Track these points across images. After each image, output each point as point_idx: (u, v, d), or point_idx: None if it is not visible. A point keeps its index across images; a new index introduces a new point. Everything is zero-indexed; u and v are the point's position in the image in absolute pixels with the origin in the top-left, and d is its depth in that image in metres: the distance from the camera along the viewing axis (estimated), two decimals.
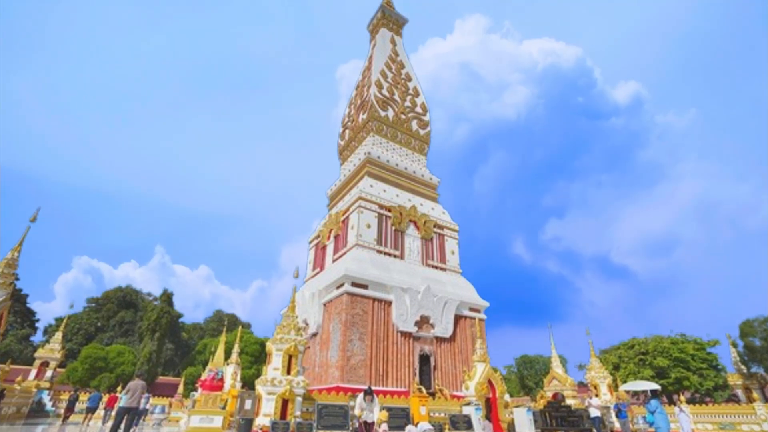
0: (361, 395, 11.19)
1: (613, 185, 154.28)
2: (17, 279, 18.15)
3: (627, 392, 22.41)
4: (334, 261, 24.61)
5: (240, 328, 27.76)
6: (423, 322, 21.44)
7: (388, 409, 12.38)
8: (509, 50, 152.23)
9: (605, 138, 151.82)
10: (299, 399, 12.60)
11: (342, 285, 20.12)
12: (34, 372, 26.12)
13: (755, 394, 23.93)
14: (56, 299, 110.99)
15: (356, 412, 10.93)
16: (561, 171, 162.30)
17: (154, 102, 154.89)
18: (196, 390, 21.63)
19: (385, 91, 30.64)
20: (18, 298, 47.33)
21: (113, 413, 17.49)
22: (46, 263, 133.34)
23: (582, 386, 31.43)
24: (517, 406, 16.18)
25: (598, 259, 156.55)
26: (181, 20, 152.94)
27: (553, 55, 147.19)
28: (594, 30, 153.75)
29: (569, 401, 19.41)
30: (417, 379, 19.63)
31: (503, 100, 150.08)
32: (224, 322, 41.95)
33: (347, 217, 24.45)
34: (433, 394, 19.23)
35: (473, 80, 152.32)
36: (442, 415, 15.23)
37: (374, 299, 20.48)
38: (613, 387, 21.76)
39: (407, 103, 31.75)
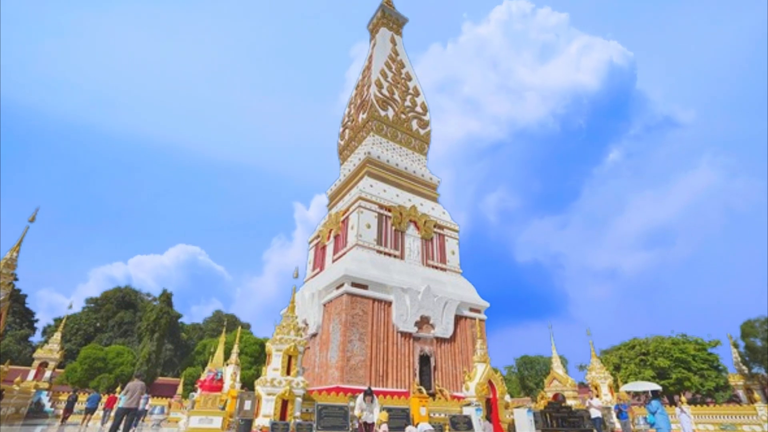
0: (361, 396, 11.15)
1: (618, 185, 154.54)
2: (16, 279, 18.11)
3: (628, 393, 22.32)
4: (333, 261, 24.53)
5: (239, 328, 27.68)
6: (423, 322, 21.37)
7: (388, 410, 12.31)
8: (553, 45, 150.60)
9: (627, 141, 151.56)
10: (299, 399, 12.52)
11: (342, 285, 20.05)
12: (32, 372, 26.05)
13: (756, 395, 23.90)
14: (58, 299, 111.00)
15: (356, 412, 10.89)
16: (568, 168, 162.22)
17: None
18: (195, 390, 21.55)
19: (385, 91, 30.59)
20: (17, 298, 47.26)
21: (112, 414, 17.44)
22: (48, 263, 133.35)
23: (583, 387, 31.39)
24: (517, 407, 16.11)
25: (599, 259, 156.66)
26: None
27: (601, 57, 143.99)
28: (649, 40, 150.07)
29: (570, 402, 19.32)
30: (417, 379, 19.56)
31: (529, 97, 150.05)
32: (224, 323, 41.87)
33: (347, 217, 24.39)
34: (433, 395, 19.16)
35: (500, 72, 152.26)
36: (443, 415, 15.15)
37: (374, 299, 20.40)
38: (614, 388, 21.68)
39: (407, 103, 31.70)
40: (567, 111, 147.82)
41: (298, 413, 12.29)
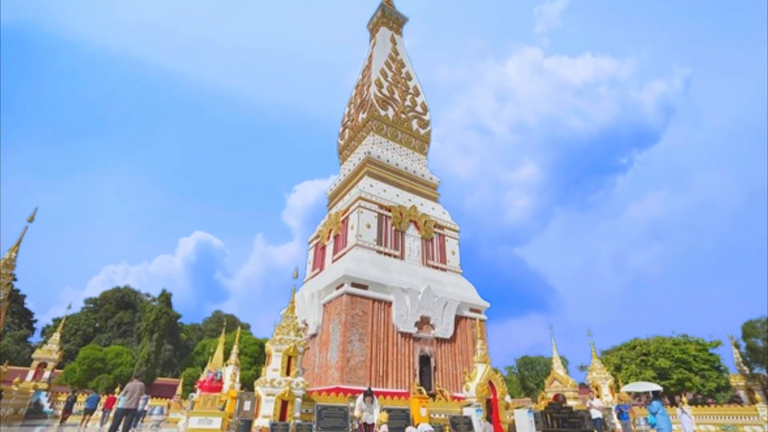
0: (360, 396, 11.10)
1: (619, 185, 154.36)
2: (15, 279, 18.02)
3: (629, 393, 22.25)
4: (333, 261, 24.47)
5: (239, 329, 27.60)
6: (423, 322, 21.30)
7: (388, 411, 12.24)
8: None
9: (655, 147, 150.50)
10: (298, 400, 12.46)
11: (342, 285, 19.99)
12: (31, 373, 25.93)
13: (758, 396, 23.84)
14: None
15: (356, 413, 10.83)
16: (571, 169, 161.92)
17: None
18: (194, 391, 21.49)
19: (385, 90, 30.54)
20: (16, 298, 47.15)
21: (111, 414, 17.36)
22: (46, 263, 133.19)
23: (583, 387, 31.26)
24: (518, 408, 16.03)
25: (600, 258, 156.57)
26: None
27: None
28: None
29: (570, 402, 19.24)
30: (417, 380, 19.50)
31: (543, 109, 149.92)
32: (223, 323, 41.79)
33: (347, 217, 24.33)
34: (433, 396, 19.09)
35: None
36: (443, 416, 15.09)
37: (374, 300, 20.34)
38: (615, 388, 21.60)
39: (407, 103, 31.65)
40: (597, 115, 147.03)
41: (297, 414, 12.22)
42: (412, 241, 24.98)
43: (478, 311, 23.89)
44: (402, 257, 24.04)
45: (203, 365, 33.13)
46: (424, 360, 20.79)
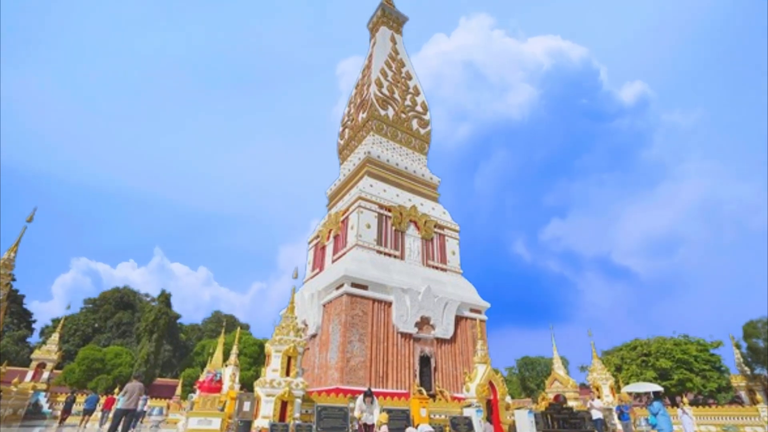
0: (360, 397, 11.07)
1: (615, 184, 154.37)
2: (14, 280, 17.98)
3: (629, 394, 22.20)
4: (333, 261, 24.41)
5: (238, 329, 27.52)
6: (423, 323, 21.24)
7: (388, 411, 12.19)
8: (514, 49, 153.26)
9: (608, 137, 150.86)
10: (298, 401, 12.39)
11: (341, 286, 19.93)
12: (30, 373, 25.84)
13: (759, 396, 23.77)
14: (54, 299, 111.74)
15: (356, 413, 10.80)
16: (563, 170, 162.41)
17: (153, 99, 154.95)
18: (194, 392, 21.42)
19: (385, 90, 30.49)
20: (15, 299, 47.05)
21: (110, 415, 17.31)
22: (44, 263, 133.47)
23: (584, 388, 31.21)
24: (518, 408, 15.97)
25: (600, 259, 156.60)
26: (180, 17, 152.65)
27: (558, 55, 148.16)
28: (601, 29, 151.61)
29: (571, 403, 19.18)
30: (417, 380, 19.44)
31: (506, 99, 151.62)
32: (223, 323, 41.72)
33: (347, 217, 24.27)
34: (433, 396, 19.02)
35: (476, 79, 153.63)
36: (443, 417, 15.04)
37: (374, 300, 20.28)
38: (616, 389, 21.54)
39: (407, 102, 31.60)
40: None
41: (297, 414, 12.16)
42: (412, 241, 24.93)
43: (478, 311, 23.83)
44: (402, 257, 23.98)
45: (203, 366, 33.08)
46: (424, 360, 20.73)
